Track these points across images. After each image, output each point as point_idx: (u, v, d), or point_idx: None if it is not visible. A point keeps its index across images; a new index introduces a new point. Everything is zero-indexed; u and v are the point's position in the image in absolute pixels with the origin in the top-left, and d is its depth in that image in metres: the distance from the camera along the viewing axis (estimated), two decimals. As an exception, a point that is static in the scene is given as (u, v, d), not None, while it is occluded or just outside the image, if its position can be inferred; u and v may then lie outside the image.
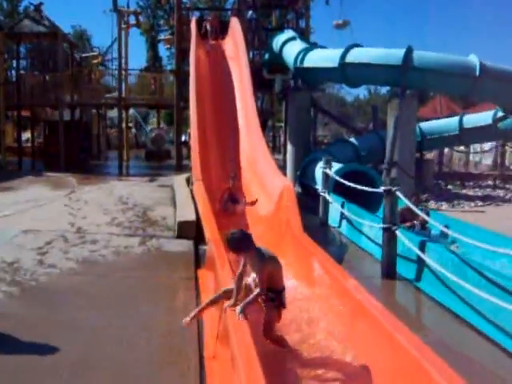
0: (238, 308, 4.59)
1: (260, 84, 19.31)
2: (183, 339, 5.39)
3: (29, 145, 27.51)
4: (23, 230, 9.69)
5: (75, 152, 23.71)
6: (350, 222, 10.44)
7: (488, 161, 27.60)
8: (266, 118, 24.42)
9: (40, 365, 4.75)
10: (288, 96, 20.07)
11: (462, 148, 25.16)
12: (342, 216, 10.84)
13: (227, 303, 4.76)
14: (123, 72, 24.94)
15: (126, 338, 5.41)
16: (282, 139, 25.37)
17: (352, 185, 9.96)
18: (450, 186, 19.49)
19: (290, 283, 7.01)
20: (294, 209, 8.58)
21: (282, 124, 25.30)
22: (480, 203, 15.95)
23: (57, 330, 5.53)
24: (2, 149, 22.96)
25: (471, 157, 28.09)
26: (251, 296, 4.70)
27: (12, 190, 15.28)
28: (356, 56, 15.71)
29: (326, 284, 6.36)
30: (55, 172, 19.93)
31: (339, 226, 10.96)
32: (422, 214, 8.34)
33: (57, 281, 7.13)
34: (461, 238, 6.99)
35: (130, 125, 36.43)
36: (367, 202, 11.35)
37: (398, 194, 7.57)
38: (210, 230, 7.95)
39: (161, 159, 26.43)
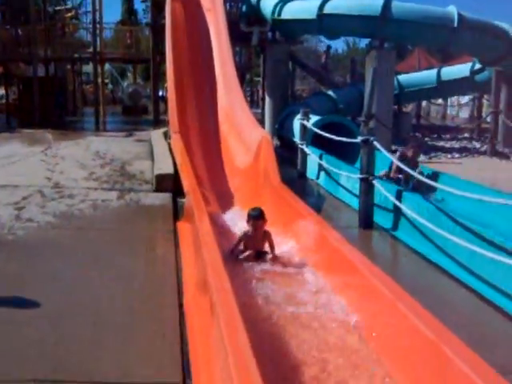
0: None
1: (237, 37, 19.02)
2: (162, 288, 5.43)
3: (3, 101, 27.05)
4: (-1, 185, 9.59)
5: (50, 108, 23.36)
6: (327, 173, 10.48)
7: (465, 114, 27.75)
8: (243, 72, 24.20)
9: (18, 316, 4.75)
10: (266, 49, 19.89)
11: (439, 101, 25.25)
12: (320, 168, 10.87)
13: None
14: (98, 26, 24.41)
15: (104, 288, 5.42)
16: (260, 93, 25.18)
17: (330, 136, 9.97)
18: (427, 139, 19.58)
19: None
20: (271, 159, 8.58)
21: (260, 78, 25.08)
22: (457, 155, 16.08)
23: (35, 282, 5.52)
24: (-25, 106, 22.54)
25: (448, 110, 28.21)
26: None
27: (-14, 147, 15.06)
28: (334, 7, 15.52)
29: (305, 233, 6.41)
30: (30, 128, 19.63)
31: (317, 178, 11.01)
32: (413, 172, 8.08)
33: (34, 234, 7.08)
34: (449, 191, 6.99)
35: (107, 81, 35.92)
36: (345, 155, 11.38)
37: (376, 144, 7.59)
38: (188, 182, 7.93)
39: (138, 114, 26.18)
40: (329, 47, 27.49)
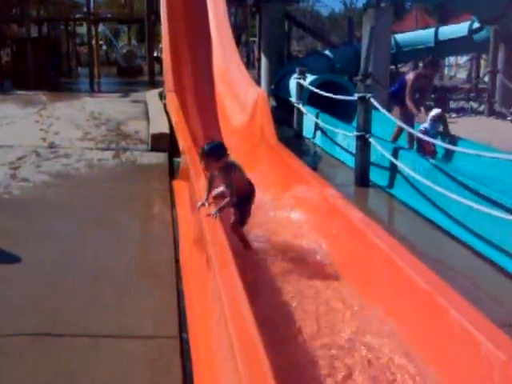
0: (214, 210, 4.74)
1: (233, -5, 18.83)
2: (159, 245, 5.45)
3: (-4, 64, 26.74)
4: (-6, 146, 9.53)
5: (44, 70, 23.07)
6: (324, 132, 10.44)
7: (463, 75, 27.56)
8: (239, 32, 23.88)
9: (14, 272, 4.77)
10: (261, 9, 19.61)
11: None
12: (317, 127, 10.83)
13: (199, 203, 4.99)
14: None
15: (102, 245, 5.45)
16: (256, 54, 24.93)
17: (326, 94, 9.90)
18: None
19: (265, 193, 7.09)
20: (267, 118, 8.53)
21: (256, 39, 24.81)
22: (454, 115, 16.01)
23: (32, 240, 5.53)
24: (-32, 68, 22.28)
25: (446, 70, 28.00)
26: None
27: (-19, 109, 14.92)
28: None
29: (302, 191, 6.41)
30: (24, 90, 19.42)
31: (313, 137, 10.97)
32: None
33: (31, 193, 7.07)
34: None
35: (101, 42, 35.50)
36: (342, 115, 11.32)
37: (372, 100, 7.55)
38: (183, 140, 7.90)
39: (133, 76, 25.92)
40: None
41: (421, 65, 9.59)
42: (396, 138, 9.13)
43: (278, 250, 5.28)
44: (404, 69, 23.41)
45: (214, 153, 4.99)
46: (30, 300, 4.26)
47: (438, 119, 8.80)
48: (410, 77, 9.24)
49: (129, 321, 4.00)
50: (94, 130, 11.12)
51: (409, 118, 8.84)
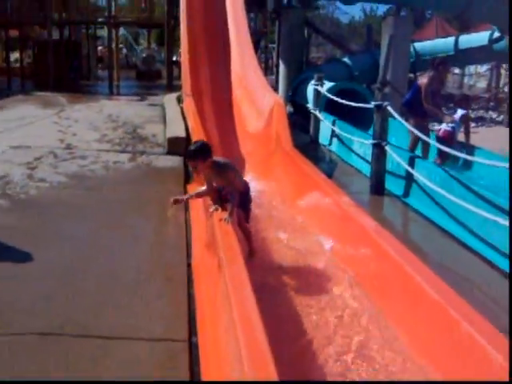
0: (226, 216, 4.71)
1: (252, 2, 18.82)
2: (171, 248, 5.46)
3: (18, 65, 27.02)
4: (12, 146, 9.61)
5: (65, 72, 23.32)
6: (340, 139, 10.40)
7: (483, 84, 27.37)
8: (258, 38, 23.91)
9: (26, 272, 4.80)
10: (281, 15, 19.61)
11: (456, 70, 24.91)
12: (333, 134, 10.79)
13: (212, 207, 5.02)
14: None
15: (115, 247, 5.47)
16: (275, 60, 24.93)
17: (344, 101, 9.87)
18: (443, 108, 19.32)
19: (279, 199, 7.09)
20: (284, 124, 8.52)
21: (275, 45, 24.82)
22: (473, 124, 15.89)
23: (46, 240, 5.56)
24: (-9, 69, 22.53)
25: (466, 79, 27.84)
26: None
27: (1, 109, 15.08)
28: (350, -29, 15.27)
29: (316, 198, 6.40)
30: (45, 92, 19.61)
31: (329, 144, 10.94)
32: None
33: (47, 194, 7.12)
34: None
35: (121, 45, 35.72)
36: (358, 122, 11.27)
37: (389, 109, 7.51)
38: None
39: (152, 79, 26.05)
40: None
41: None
42: (413, 147, 9.02)
43: (289, 257, 5.28)
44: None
45: (201, 152, 4.91)
46: (40, 300, 4.28)
47: (465, 120, 8.82)
48: (423, 81, 9.10)
49: (139, 323, 4.01)
50: (111, 133, 11.19)
51: (424, 127, 8.76)
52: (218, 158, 5.17)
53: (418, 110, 8.85)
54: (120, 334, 3.85)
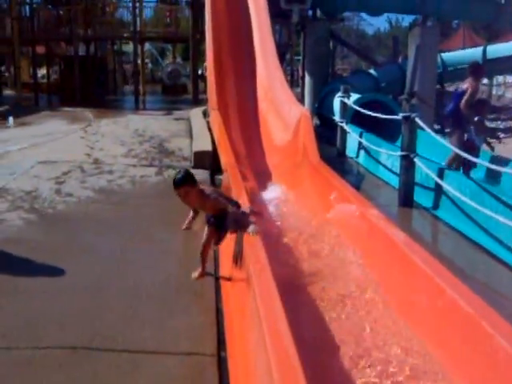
0: (251, 228, 4.65)
1: (277, 14, 18.83)
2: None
3: (45, 81, 27.43)
4: (40, 161, 9.72)
5: (91, 87, 23.63)
6: (367, 151, 10.33)
7: (511, 94, 27.07)
8: (283, 50, 23.96)
9: (55, 286, 4.80)
10: (306, 27, 19.64)
11: (484, 81, 24.63)
12: (360, 146, 10.73)
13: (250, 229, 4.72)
14: (137, 5, 24.44)
15: (142, 261, 5.46)
16: (300, 72, 24.94)
17: (371, 113, 9.81)
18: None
19: (306, 212, 7.03)
20: (310, 136, 8.47)
21: (300, 57, 24.83)
22: (502, 135, 15.70)
23: (74, 255, 5.57)
24: (18, 85, 22.89)
25: (494, 90, 27.54)
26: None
27: (29, 125, 15.29)
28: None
29: (344, 212, 6.32)
30: (71, 107, 19.86)
31: (357, 157, 10.87)
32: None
33: (74, 208, 7.17)
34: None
35: (147, 60, 36.10)
36: (385, 135, 11.19)
37: (417, 120, 7.43)
38: (226, 157, 7.90)
39: (177, 93, 26.26)
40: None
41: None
42: (451, 163, 8.59)
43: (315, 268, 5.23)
44: (451, 88, 23.14)
45: (190, 178, 4.83)
46: (69, 314, 4.28)
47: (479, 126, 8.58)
48: (469, 86, 8.58)
49: (167, 337, 3.98)
50: (138, 147, 11.27)
51: (471, 144, 8.40)
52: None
53: (464, 122, 8.55)
54: (148, 349, 3.83)
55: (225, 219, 4.90)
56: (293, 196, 7.71)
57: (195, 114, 14.72)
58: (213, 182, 8.57)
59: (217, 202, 4.87)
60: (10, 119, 15.52)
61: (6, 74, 31.33)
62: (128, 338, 3.95)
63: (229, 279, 4.83)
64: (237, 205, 4.96)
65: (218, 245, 5.18)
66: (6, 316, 4.25)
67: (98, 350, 3.77)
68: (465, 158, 7.59)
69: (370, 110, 10.25)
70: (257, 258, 4.14)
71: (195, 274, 5.02)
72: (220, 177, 8.29)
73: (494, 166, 7.27)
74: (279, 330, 3.06)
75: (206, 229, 5.06)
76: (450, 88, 22.62)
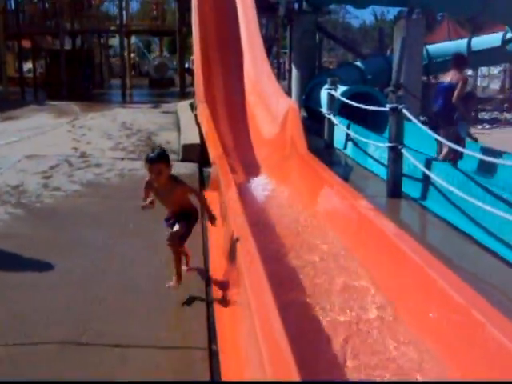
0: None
1: (264, 8, 18.83)
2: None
3: (30, 75, 27.22)
4: (27, 156, 9.64)
5: (78, 81, 23.50)
6: (355, 143, 10.35)
7: (496, 85, 27.22)
8: (270, 44, 23.92)
9: (45, 280, 4.78)
10: (292, 20, 19.61)
11: (469, 72, 24.73)
12: (348, 138, 10.74)
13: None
14: (123, -2, 24.27)
15: (132, 254, 5.44)
16: (287, 65, 24.92)
17: (358, 105, 9.82)
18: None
19: (296, 206, 7.04)
20: (298, 128, 8.48)
21: (287, 51, 24.80)
22: (487, 126, 15.78)
23: (62, 249, 5.53)
24: (3, 79, 22.69)
25: (479, 81, 27.67)
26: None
27: (15, 119, 15.16)
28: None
29: (333, 202, 6.34)
30: (58, 101, 19.71)
31: (344, 148, 10.89)
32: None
33: (62, 203, 7.12)
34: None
35: (133, 54, 35.92)
36: (372, 126, 11.21)
37: (405, 111, 7.45)
38: (214, 151, 7.89)
39: (164, 87, 26.15)
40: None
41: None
42: (446, 158, 8.42)
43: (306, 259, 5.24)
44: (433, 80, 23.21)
45: (167, 156, 4.66)
46: (59, 309, 4.25)
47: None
48: (458, 78, 8.42)
49: (157, 332, 3.97)
50: (126, 140, 11.21)
51: (457, 135, 8.36)
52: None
53: (453, 117, 8.44)
54: (138, 343, 3.81)
55: (188, 215, 4.75)
56: (281, 187, 7.72)
57: (182, 107, 14.65)
58: (201, 175, 8.56)
59: (188, 187, 4.77)
60: (-4, 114, 15.41)
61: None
62: (118, 332, 3.93)
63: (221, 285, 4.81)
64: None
65: (183, 243, 4.79)
66: (-5, 311, 4.22)
67: (87, 345, 3.75)
68: (454, 150, 7.61)
69: (356, 102, 10.26)
70: (247, 251, 4.13)
71: (170, 284, 4.63)
72: (208, 169, 8.27)
73: (485, 157, 7.30)
74: (271, 322, 3.05)
75: (169, 234, 4.68)
76: (433, 80, 22.75)
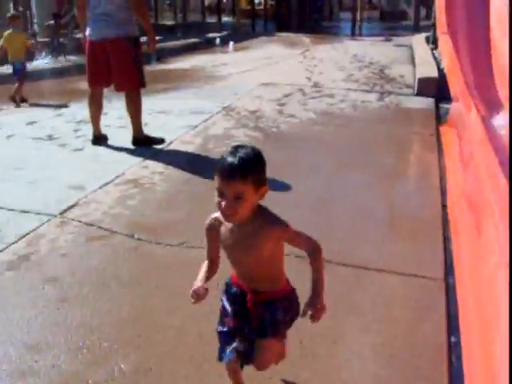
0: None
1: None
2: (424, 189, 5.30)
3: (261, 7, 27.98)
4: (261, 83, 9.99)
5: (307, 13, 23.65)
6: None
7: None
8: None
9: (286, 200, 4.92)
10: None
11: None
12: None
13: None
14: None
15: (362, 184, 5.36)
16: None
17: None
18: None
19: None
20: None
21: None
22: None
23: (297, 172, 5.70)
24: (236, 12, 23.60)
25: None
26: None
27: (247, 50, 15.78)
28: None
29: None
30: (287, 32, 20.09)
31: None
32: None
33: (296, 129, 7.31)
34: None
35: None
36: None
37: None
38: (457, 86, 7.48)
39: (396, 20, 25.40)
40: None
41: None
42: None
43: None
44: None
45: (256, 167, 2.13)
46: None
47: None
48: None
49: (390, 258, 3.94)
50: (357, 72, 11.15)
51: None
52: None
53: None
54: (372, 266, 3.81)
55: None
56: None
57: (418, 40, 14.14)
58: (437, 111, 8.23)
59: (292, 232, 2.28)
60: (231, 44, 16.11)
61: (224, 1, 32.46)
62: (353, 254, 3.97)
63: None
64: None
65: None
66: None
67: (328, 263, 3.81)
68: None
69: None
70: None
71: None
72: (446, 105, 7.91)
73: None
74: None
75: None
76: None
